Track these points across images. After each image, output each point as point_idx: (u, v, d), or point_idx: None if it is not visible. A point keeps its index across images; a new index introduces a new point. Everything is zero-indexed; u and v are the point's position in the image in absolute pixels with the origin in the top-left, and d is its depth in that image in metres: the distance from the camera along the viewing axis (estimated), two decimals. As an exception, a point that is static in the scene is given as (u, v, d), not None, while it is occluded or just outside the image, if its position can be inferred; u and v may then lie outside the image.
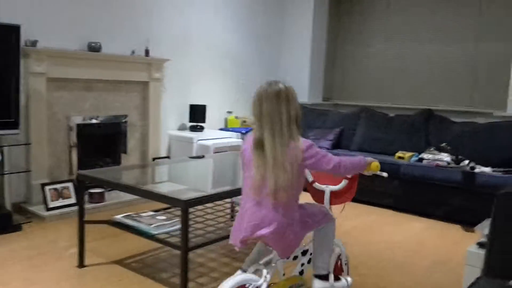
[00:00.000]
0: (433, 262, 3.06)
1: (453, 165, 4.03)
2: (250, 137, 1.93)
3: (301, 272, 2.19)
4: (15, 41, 3.36)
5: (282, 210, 1.82)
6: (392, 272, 2.88)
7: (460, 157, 4.09)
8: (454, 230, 3.77)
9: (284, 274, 2.01)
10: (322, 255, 2.00)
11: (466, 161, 4.00)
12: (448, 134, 4.49)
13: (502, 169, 3.90)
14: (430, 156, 4.20)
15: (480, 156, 4.13)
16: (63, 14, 3.95)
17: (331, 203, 2.28)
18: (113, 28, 4.33)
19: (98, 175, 2.77)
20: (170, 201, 2.31)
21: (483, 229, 2.02)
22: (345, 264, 2.31)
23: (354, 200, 4.40)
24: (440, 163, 4.07)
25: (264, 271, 1.89)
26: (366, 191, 4.43)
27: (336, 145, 5.08)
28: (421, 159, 4.25)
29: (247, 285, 1.85)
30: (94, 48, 4.08)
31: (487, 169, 3.92)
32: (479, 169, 3.91)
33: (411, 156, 4.37)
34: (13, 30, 3.35)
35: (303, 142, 1.84)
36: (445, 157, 4.12)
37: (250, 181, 1.87)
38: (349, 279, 2.11)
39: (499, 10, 5.10)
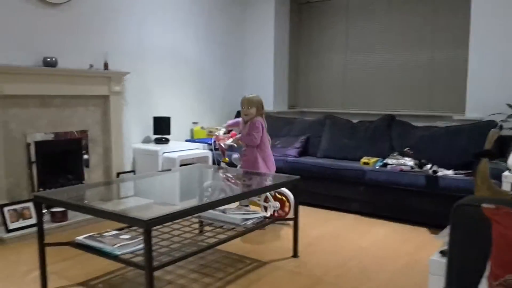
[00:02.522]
0: (399, 268, 3.10)
1: (416, 169, 4.11)
2: (261, 121, 3.97)
3: None
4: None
5: None
6: (359, 280, 2.90)
7: (422, 161, 4.19)
8: (420, 234, 3.84)
9: None
10: None
11: (429, 165, 4.09)
12: (410, 138, 4.59)
13: (463, 172, 4.00)
14: (394, 161, 4.27)
15: (441, 160, 4.24)
16: (15, 29, 3.82)
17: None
18: (69, 42, 4.21)
19: (55, 196, 2.66)
20: (132, 222, 2.25)
21: (445, 236, 2.05)
22: None
23: (319, 206, 4.56)
24: (403, 167, 4.14)
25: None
26: (331, 197, 4.47)
27: (303, 153, 5.10)
28: (385, 164, 4.32)
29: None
30: (49, 63, 3.96)
31: (449, 172, 4.02)
32: (442, 172, 4.00)
33: (376, 162, 4.44)
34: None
35: None
36: (408, 162, 4.20)
37: (267, 142, 4.01)
38: None
39: (453, 18, 5.27)
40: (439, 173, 3.96)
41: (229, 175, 3.82)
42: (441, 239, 2.08)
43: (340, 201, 4.44)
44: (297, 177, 3.25)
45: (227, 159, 4.17)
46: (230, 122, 4.34)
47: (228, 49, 6.15)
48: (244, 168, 3.96)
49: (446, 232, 2.12)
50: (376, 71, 5.91)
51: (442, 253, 1.96)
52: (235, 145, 4.06)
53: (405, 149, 4.37)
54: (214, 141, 4.24)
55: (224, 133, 4.22)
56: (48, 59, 3.95)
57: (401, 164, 4.19)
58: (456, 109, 5.15)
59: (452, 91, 5.30)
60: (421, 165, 4.15)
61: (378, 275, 2.97)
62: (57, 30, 4.12)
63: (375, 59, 5.91)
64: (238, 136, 4.08)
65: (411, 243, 3.59)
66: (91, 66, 4.32)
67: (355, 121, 5.11)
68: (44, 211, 3.52)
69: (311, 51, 6.51)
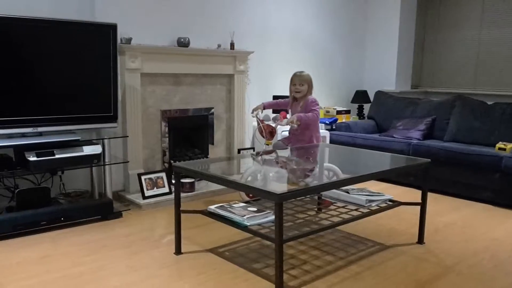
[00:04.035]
0: (544, 264, 2.81)
1: None
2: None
3: None
4: (112, 39, 3.53)
5: None
6: (494, 273, 2.68)
7: None
8: None
9: None
10: None
11: None
12: (557, 123, 4.08)
13: None
14: (536, 147, 3.85)
15: None
16: (154, 11, 4.11)
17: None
18: (200, 23, 4.43)
19: (192, 167, 2.86)
20: (265, 195, 2.33)
21: None
22: None
23: (444, 192, 4.23)
24: (549, 155, 3.71)
25: None
26: (459, 184, 4.18)
27: (428, 136, 4.82)
28: (525, 151, 3.91)
29: None
30: (183, 43, 4.21)
31: None
32: None
33: (514, 148, 4.04)
34: (111, 29, 3.51)
35: None
36: (555, 149, 3.75)
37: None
38: None
39: None
40: None
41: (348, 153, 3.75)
42: None
43: (470, 188, 4.12)
44: (427, 160, 3.08)
45: (271, 141, 3.84)
46: (266, 102, 4.08)
47: (348, 27, 5.99)
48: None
49: None
50: (516, 48, 5.32)
51: None
52: (295, 125, 3.63)
53: (551, 135, 3.91)
54: (260, 123, 3.83)
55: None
56: (181, 39, 4.20)
57: (545, 152, 3.76)
58: None
59: None
60: None
61: (518, 270, 2.72)
62: (189, 11, 4.35)
63: (514, 35, 5.32)
64: (289, 117, 3.72)
65: (556, 239, 3.23)
66: (219, 46, 4.51)
67: (489, 102, 4.67)
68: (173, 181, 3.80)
69: (439, 26, 6.06)
